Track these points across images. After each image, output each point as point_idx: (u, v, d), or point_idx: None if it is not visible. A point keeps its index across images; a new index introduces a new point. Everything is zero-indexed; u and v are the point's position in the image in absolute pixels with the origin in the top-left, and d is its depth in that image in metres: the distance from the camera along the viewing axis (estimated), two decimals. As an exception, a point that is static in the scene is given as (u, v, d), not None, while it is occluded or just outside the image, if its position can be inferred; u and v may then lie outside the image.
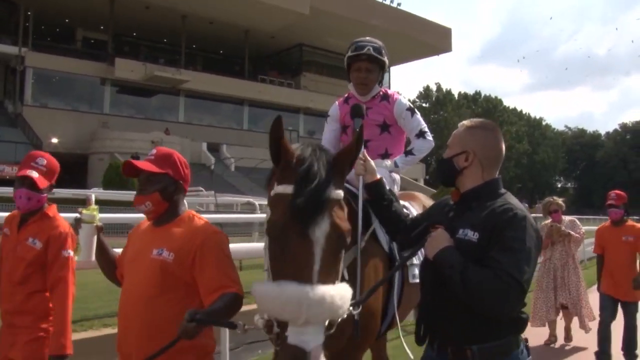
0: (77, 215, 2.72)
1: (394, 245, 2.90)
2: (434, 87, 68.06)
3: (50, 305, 2.89)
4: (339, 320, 1.90)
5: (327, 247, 1.84)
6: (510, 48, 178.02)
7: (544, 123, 78.44)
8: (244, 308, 2.30)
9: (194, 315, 2.05)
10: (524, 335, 2.19)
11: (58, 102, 36.78)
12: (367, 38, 3.33)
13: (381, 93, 3.40)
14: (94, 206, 2.70)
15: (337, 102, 3.54)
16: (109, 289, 5.17)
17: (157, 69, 38.07)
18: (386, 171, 3.24)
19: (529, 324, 6.75)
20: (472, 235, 2.12)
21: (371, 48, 3.21)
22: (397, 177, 3.39)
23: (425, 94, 68.15)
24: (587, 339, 6.58)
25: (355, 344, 2.62)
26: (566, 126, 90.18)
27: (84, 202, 18.14)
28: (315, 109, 45.10)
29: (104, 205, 12.51)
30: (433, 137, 3.43)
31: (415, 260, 3.01)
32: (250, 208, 18.03)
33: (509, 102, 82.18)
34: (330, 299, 1.76)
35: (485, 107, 68.40)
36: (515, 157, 66.77)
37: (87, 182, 31.50)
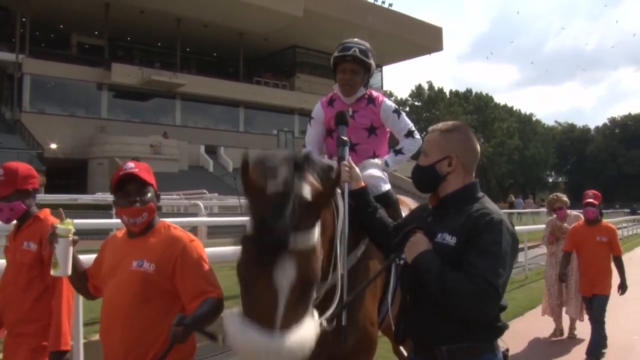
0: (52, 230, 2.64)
1: None
2: (425, 86, 68.61)
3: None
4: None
5: (291, 294, 1.82)
6: (499, 44, 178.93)
7: (534, 119, 79.16)
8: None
9: (181, 320, 2.14)
10: (505, 345, 2.20)
11: (55, 108, 36.95)
12: (355, 40, 3.29)
13: (366, 96, 3.35)
14: (68, 220, 2.65)
15: (320, 103, 3.49)
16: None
17: (153, 73, 38.28)
18: (380, 169, 3.26)
19: (544, 314, 7.17)
20: (450, 239, 2.13)
21: (357, 50, 3.17)
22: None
23: (417, 92, 68.56)
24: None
25: (359, 351, 2.62)
26: (556, 121, 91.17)
27: (95, 207, 18.45)
28: (309, 110, 44.62)
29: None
30: (422, 136, 3.21)
31: None
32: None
33: (498, 98, 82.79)
34: (289, 347, 1.77)
35: (476, 104, 68.98)
36: (507, 153, 67.38)
37: (87, 186, 31.74)
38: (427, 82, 69.98)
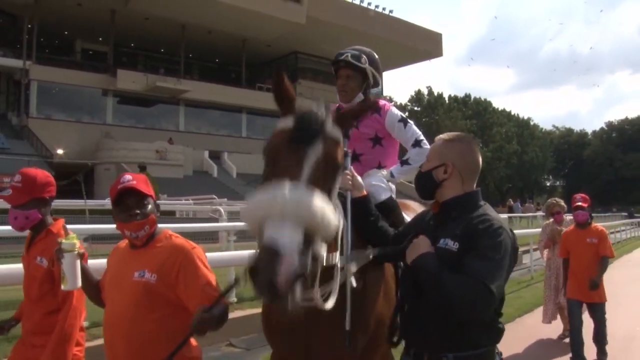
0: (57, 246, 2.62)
1: None
2: (425, 91, 69.20)
3: None
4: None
5: (316, 166, 1.90)
6: (496, 49, 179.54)
7: (532, 123, 79.74)
8: (236, 314, 2.65)
9: (204, 309, 2.15)
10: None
11: (62, 113, 37.35)
12: (356, 46, 3.30)
13: None
14: (72, 234, 2.65)
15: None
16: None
17: (158, 79, 38.71)
18: (383, 179, 3.23)
19: (544, 321, 7.52)
20: (452, 245, 2.16)
21: (349, 55, 3.17)
22: (392, 186, 3.34)
23: (417, 97, 69.16)
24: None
25: (368, 352, 2.59)
26: (554, 125, 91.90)
27: (101, 213, 18.78)
28: (311, 115, 46.03)
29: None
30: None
31: None
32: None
33: (496, 102, 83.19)
34: (308, 197, 1.76)
35: (475, 109, 69.56)
36: (505, 157, 67.86)
37: (94, 192, 32.12)
38: (427, 87, 70.70)
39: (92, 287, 2.72)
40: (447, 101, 69.49)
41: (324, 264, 1.98)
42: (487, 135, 67.23)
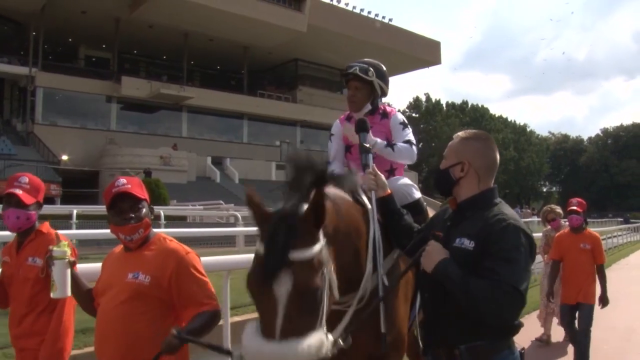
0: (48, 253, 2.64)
1: None
2: (423, 98, 69.89)
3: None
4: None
5: (289, 304, 1.90)
6: (491, 55, 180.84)
7: (528, 129, 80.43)
8: (234, 319, 2.68)
9: (179, 334, 2.22)
10: (521, 344, 2.28)
11: (66, 120, 37.80)
12: (366, 59, 3.47)
13: (381, 111, 3.49)
14: (64, 242, 2.65)
15: (338, 120, 3.63)
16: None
17: (162, 86, 39.21)
18: (409, 180, 3.42)
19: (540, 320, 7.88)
20: (468, 243, 2.16)
21: (357, 68, 3.35)
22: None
23: (415, 104, 69.87)
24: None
25: (394, 349, 2.68)
26: (550, 132, 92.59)
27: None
28: (311, 122, 46.79)
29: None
30: (423, 145, 3.93)
31: None
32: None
33: (492, 108, 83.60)
34: (285, 355, 1.83)
35: (472, 116, 70.19)
36: (502, 163, 68.15)
37: (99, 197, 32.54)
38: (425, 94, 71.29)
39: (83, 295, 2.71)
40: (444, 108, 70.20)
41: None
42: (484, 142, 67.65)
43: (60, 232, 3.19)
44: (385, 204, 2.75)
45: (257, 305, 1.99)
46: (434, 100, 69.48)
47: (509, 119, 77.28)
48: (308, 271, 1.96)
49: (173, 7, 36.08)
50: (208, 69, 47.92)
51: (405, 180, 3.37)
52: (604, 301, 5.77)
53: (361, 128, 3.11)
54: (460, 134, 2.41)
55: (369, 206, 2.67)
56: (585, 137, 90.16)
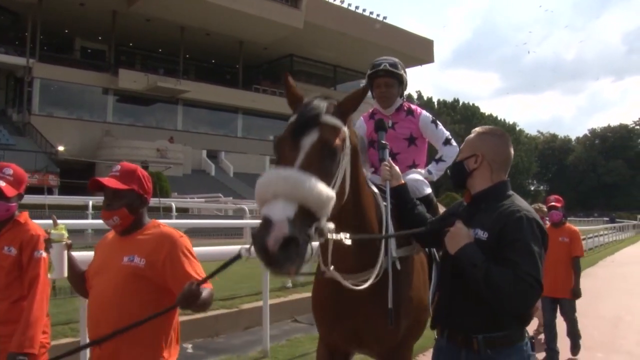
0: (46, 236, 2.68)
1: None
2: (415, 95, 70.55)
3: None
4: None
5: (311, 151, 2.04)
6: (481, 53, 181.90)
7: (517, 128, 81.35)
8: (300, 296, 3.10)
9: (193, 283, 2.20)
10: (530, 333, 2.32)
11: (63, 111, 38.12)
12: (384, 57, 3.50)
13: (405, 108, 3.54)
14: (61, 225, 2.70)
15: (362, 118, 3.67)
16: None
17: (159, 79, 39.60)
18: (420, 176, 3.44)
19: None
20: (482, 234, 2.21)
21: (387, 64, 3.38)
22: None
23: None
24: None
25: (410, 335, 2.79)
26: (539, 131, 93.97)
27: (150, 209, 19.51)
28: (305, 116, 47.21)
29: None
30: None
31: None
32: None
33: (481, 106, 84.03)
34: (297, 177, 1.90)
35: (464, 114, 71.03)
36: (492, 161, 69.10)
37: (96, 188, 32.83)
38: (417, 92, 71.95)
39: (77, 276, 2.76)
40: (436, 106, 70.88)
41: (330, 237, 2.11)
42: (475, 140, 68.44)
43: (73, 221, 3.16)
44: (399, 193, 2.85)
45: (282, 155, 2.10)
46: (425, 98, 70.17)
47: (499, 118, 78.21)
48: (333, 134, 2.15)
49: (171, 1, 36.44)
50: (203, 62, 48.22)
51: (416, 176, 3.42)
52: (575, 293, 6.02)
53: (379, 127, 3.22)
54: (477, 129, 2.50)
55: (376, 191, 2.79)
56: (573, 137, 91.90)
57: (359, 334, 2.68)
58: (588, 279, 6.79)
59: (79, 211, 15.09)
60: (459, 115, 70.10)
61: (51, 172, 30.26)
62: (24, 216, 3.05)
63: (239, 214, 20.34)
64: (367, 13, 47.52)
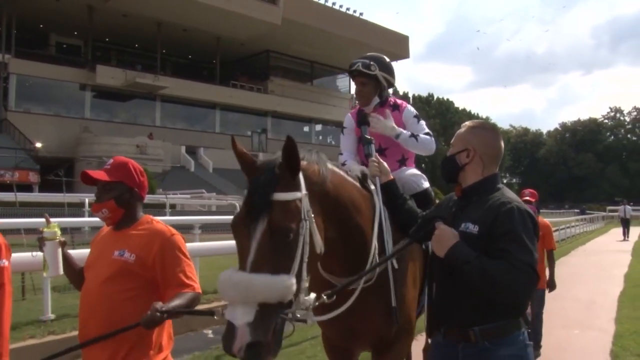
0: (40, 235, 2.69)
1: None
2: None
3: None
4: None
5: (262, 241, 2.00)
6: (454, 46, 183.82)
7: (490, 122, 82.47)
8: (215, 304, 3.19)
9: (159, 308, 2.23)
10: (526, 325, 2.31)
11: (40, 107, 37.84)
12: (369, 54, 3.58)
13: (391, 103, 3.58)
14: (53, 223, 2.71)
15: (349, 114, 3.73)
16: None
17: (137, 75, 39.53)
18: (418, 171, 3.52)
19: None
20: (473, 228, 2.21)
21: (360, 64, 3.42)
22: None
23: (383, 96, 70.84)
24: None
25: (405, 331, 2.78)
26: (511, 125, 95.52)
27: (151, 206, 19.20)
28: (282, 112, 47.80)
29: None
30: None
31: None
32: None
33: (454, 99, 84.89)
34: (247, 282, 1.93)
35: (438, 109, 71.97)
36: (465, 155, 70.18)
37: (75, 185, 32.65)
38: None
39: (75, 273, 2.78)
40: (411, 101, 71.66)
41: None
42: (450, 134, 68.72)
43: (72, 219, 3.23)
44: (389, 189, 2.87)
45: (237, 244, 2.10)
46: (401, 93, 70.87)
47: (472, 112, 79.42)
48: (285, 213, 2.07)
49: (149, -3, 36.31)
50: (180, 58, 48.15)
51: (414, 171, 3.49)
52: (551, 285, 6.11)
53: (362, 121, 3.35)
54: (468, 123, 2.50)
55: (373, 187, 2.82)
56: (544, 130, 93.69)
57: (355, 332, 2.73)
58: (562, 267, 7.23)
59: (58, 209, 15.16)
60: (434, 110, 71.00)
61: (32, 170, 30.10)
62: None
63: (228, 209, 20.63)
64: (344, 9, 47.98)
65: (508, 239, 2.12)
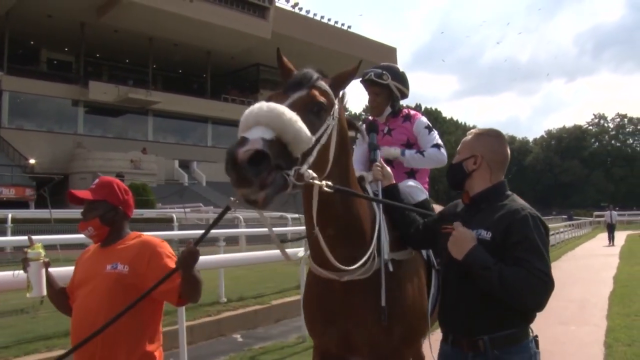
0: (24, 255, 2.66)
1: (430, 252, 2.98)
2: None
3: None
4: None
5: (298, 102, 2.12)
6: (439, 55, 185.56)
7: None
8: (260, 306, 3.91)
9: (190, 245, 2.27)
10: (535, 332, 2.30)
11: (33, 123, 38.09)
12: (383, 64, 3.58)
13: (404, 114, 3.55)
14: (37, 244, 2.71)
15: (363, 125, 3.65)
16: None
17: (129, 90, 39.96)
18: (415, 183, 3.44)
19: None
20: (485, 234, 2.20)
21: (372, 74, 3.41)
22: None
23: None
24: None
25: (404, 342, 2.63)
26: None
27: (159, 221, 19.24)
28: (273, 125, 48.02)
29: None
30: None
31: None
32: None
33: (440, 108, 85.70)
34: (281, 110, 1.94)
35: (427, 118, 72.84)
36: (454, 164, 71.13)
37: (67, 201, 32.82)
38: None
39: (58, 294, 2.76)
40: (399, 111, 72.48)
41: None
42: (438, 144, 70.39)
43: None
44: (390, 193, 2.89)
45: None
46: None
47: (460, 122, 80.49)
48: (323, 94, 2.21)
49: (140, 13, 36.78)
50: (171, 72, 48.53)
51: (412, 182, 3.44)
52: None
53: (370, 129, 3.28)
54: (474, 130, 2.50)
55: (370, 189, 2.88)
56: (530, 138, 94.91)
57: (350, 338, 2.60)
58: (555, 271, 7.40)
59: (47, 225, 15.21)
60: (422, 120, 71.82)
61: (28, 186, 30.30)
62: None
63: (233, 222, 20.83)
64: (332, 23, 48.71)
65: (524, 247, 2.12)
